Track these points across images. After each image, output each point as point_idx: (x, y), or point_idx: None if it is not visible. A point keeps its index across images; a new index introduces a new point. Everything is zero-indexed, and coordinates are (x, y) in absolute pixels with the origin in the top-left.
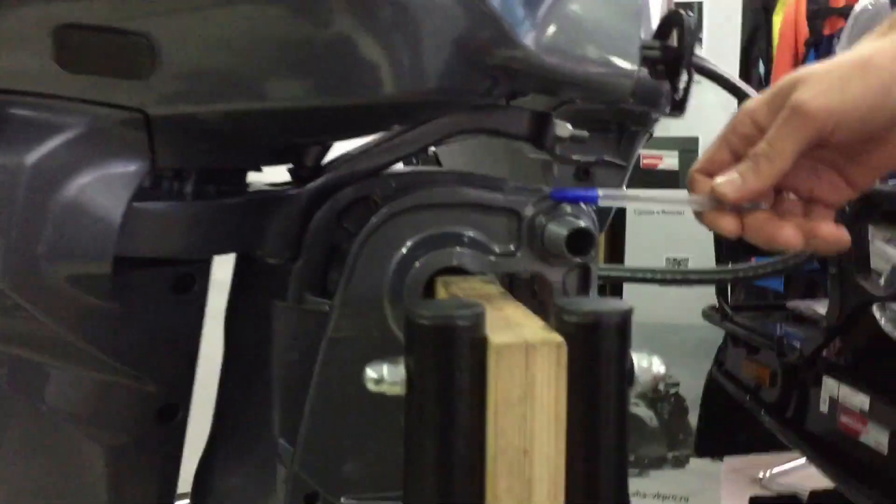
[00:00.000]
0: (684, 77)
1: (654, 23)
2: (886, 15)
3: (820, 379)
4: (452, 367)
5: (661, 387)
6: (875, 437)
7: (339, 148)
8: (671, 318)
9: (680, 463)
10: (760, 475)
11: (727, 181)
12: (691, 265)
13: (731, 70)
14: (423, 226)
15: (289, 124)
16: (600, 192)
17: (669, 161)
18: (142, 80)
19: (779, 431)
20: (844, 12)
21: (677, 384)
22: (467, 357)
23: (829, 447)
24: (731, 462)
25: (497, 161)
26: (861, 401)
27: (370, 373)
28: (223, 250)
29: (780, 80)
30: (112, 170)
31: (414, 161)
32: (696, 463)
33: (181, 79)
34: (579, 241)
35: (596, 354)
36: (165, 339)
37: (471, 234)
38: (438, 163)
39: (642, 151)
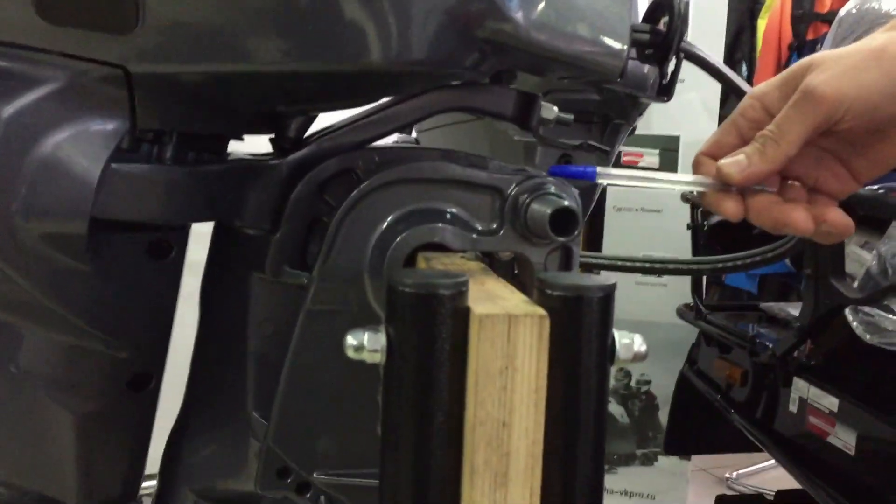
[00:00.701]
0: (672, 62)
1: (642, 13)
2: (870, 20)
3: (790, 380)
4: (434, 336)
5: (633, 384)
6: (843, 438)
7: (323, 120)
8: (645, 315)
9: (648, 460)
10: (727, 475)
11: (733, 162)
12: None
13: None
14: (406, 201)
15: (272, 89)
16: (598, 169)
17: (650, 159)
18: (124, 36)
19: (748, 431)
20: (828, 17)
21: (649, 382)
22: (449, 326)
23: (797, 448)
24: (699, 461)
25: (479, 146)
26: (830, 402)
27: (350, 339)
28: (201, 217)
29: (793, 65)
30: (91, 127)
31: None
32: (664, 461)
33: (164, 35)
34: (563, 220)
35: (578, 329)
36: (140, 305)
37: (453, 210)
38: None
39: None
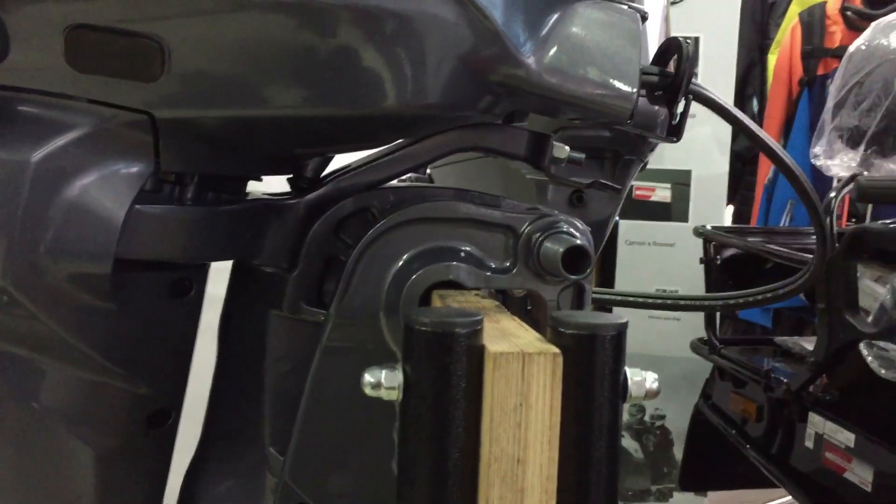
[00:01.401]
0: (682, 103)
1: (651, 53)
2: (880, 56)
3: (806, 415)
4: (449, 374)
5: (647, 419)
6: (860, 474)
7: (339, 161)
8: (658, 349)
9: (664, 497)
10: None
11: None
12: None
13: None
14: (420, 239)
15: (291, 133)
16: None
17: (662, 193)
18: (150, 83)
19: (764, 466)
20: (838, 53)
21: (663, 417)
22: (464, 364)
23: (814, 483)
24: (715, 497)
25: (491, 183)
26: (846, 437)
27: (368, 377)
28: (221, 257)
29: None
30: (116, 170)
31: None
32: (679, 497)
33: (189, 83)
34: (575, 259)
35: (591, 366)
36: (160, 343)
37: (467, 249)
38: (430, 180)
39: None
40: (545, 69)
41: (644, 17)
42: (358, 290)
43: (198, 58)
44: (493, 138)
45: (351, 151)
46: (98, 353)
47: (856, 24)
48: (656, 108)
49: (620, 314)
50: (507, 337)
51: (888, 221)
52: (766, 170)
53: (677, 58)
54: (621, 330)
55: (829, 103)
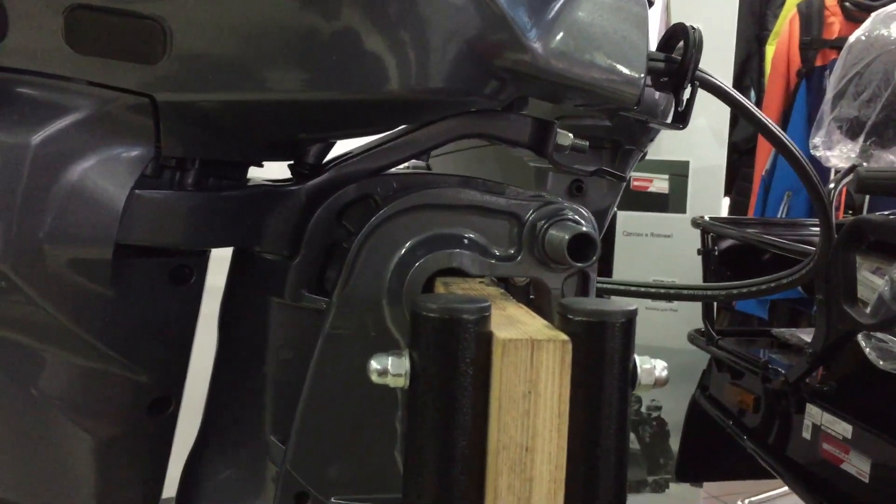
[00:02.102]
0: (688, 90)
1: (652, 42)
2: (880, 46)
3: (803, 406)
4: (457, 361)
5: (644, 410)
6: (857, 465)
7: (341, 147)
8: (655, 341)
9: (660, 487)
10: (739, 503)
11: None
12: None
13: None
14: (424, 227)
15: (293, 117)
16: None
17: (660, 184)
18: (152, 65)
19: (761, 457)
20: (837, 44)
21: (659, 408)
22: (472, 351)
23: (811, 475)
24: (711, 488)
25: (491, 170)
26: (844, 429)
27: (374, 364)
28: (221, 243)
29: None
30: (117, 154)
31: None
32: (675, 488)
33: (191, 65)
34: (581, 246)
35: (600, 353)
36: (160, 329)
37: (471, 236)
38: (429, 168)
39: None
40: (552, 54)
41: (650, 2)
42: (360, 277)
43: (200, 39)
44: (496, 125)
45: (353, 137)
46: (98, 339)
47: (854, 15)
48: (658, 94)
49: (629, 301)
50: (515, 324)
51: (887, 213)
52: (763, 161)
53: (684, 44)
54: (631, 317)
55: (829, 94)
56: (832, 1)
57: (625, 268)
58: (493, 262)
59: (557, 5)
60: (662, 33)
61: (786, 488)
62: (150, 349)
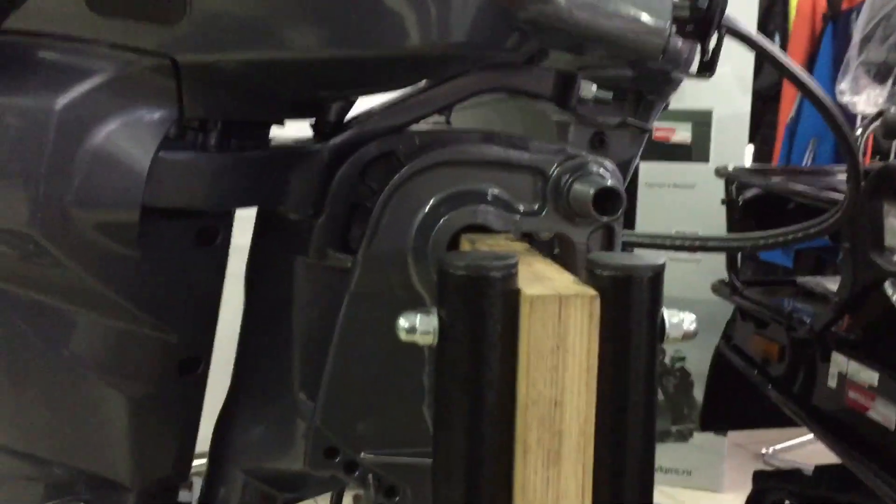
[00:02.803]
0: (714, 38)
1: None
2: None
3: (829, 354)
4: (485, 317)
5: (667, 361)
6: (883, 412)
7: (362, 104)
8: (679, 292)
9: (683, 437)
10: (763, 451)
11: None
12: None
13: None
14: (447, 183)
15: (315, 75)
16: None
17: (682, 134)
18: (172, 26)
19: (786, 406)
20: None
21: (683, 358)
22: (500, 307)
23: (837, 423)
24: (735, 437)
25: (511, 125)
26: (870, 376)
27: (402, 322)
28: (246, 203)
29: None
30: (140, 117)
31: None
32: (699, 437)
33: (211, 24)
34: (607, 200)
35: (628, 308)
36: (188, 290)
37: (495, 192)
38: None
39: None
40: (575, 4)
41: None
42: (385, 235)
43: None
44: (518, 79)
45: (375, 94)
46: (127, 300)
47: None
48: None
49: (658, 255)
50: (542, 280)
51: None
52: (788, 108)
53: None
54: (659, 271)
55: (856, 38)
56: None
57: (648, 219)
58: (517, 217)
59: None
60: None
61: (810, 436)
62: (178, 310)
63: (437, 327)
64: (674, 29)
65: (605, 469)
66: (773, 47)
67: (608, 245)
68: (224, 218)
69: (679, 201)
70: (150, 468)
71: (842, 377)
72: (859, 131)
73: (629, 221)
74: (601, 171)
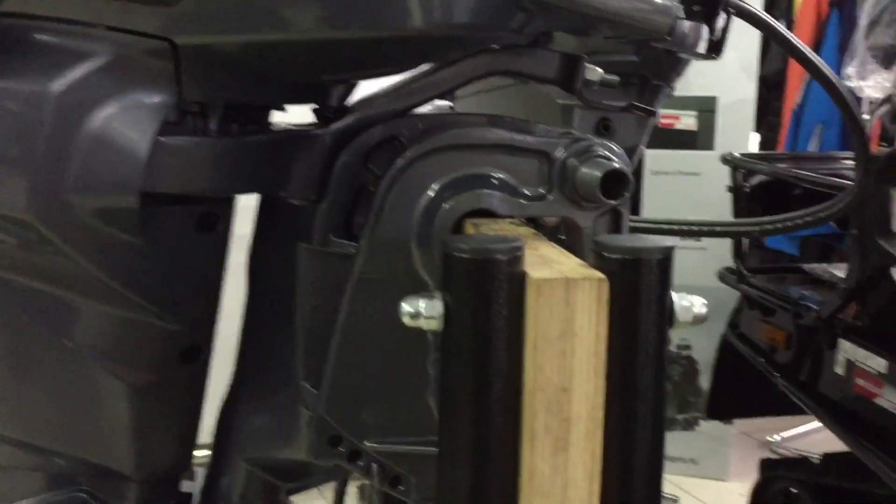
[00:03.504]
0: (722, 18)
1: None
2: None
3: (836, 342)
4: (491, 302)
5: (673, 349)
6: (891, 399)
7: (365, 89)
8: (685, 279)
9: (689, 425)
10: (770, 439)
11: None
12: None
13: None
14: (451, 167)
15: (315, 58)
16: None
17: (687, 121)
18: (169, 7)
19: (793, 394)
20: None
21: (689, 346)
22: (506, 291)
23: (844, 410)
24: (741, 425)
25: (515, 109)
26: (878, 363)
27: (406, 307)
28: (247, 189)
29: None
30: (138, 101)
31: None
32: (705, 425)
33: (209, 6)
34: (613, 183)
35: (637, 292)
36: (189, 277)
37: (500, 176)
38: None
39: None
40: None
41: None
42: (388, 220)
43: None
44: (523, 62)
45: (377, 77)
46: (128, 288)
47: None
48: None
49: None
50: (549, 263)
51: None
52: (793, 94)
53: None
54: (668, 254)
55: (863, 22)
56: None
57: (654, 207)
58: (523, 201)
59: None
60: None
61: (817, 424)
62: (179, 297)
63: (441, 312)
64: (680, 8)
65: (614, 456)
66: (781, 27)
67: (615, 230)
68: (224, 204)
69: (685, 189)
70: (153, 458)
71: (850, 364)
72: (867, 116)
73: (634, 209)
74: (607, 153)
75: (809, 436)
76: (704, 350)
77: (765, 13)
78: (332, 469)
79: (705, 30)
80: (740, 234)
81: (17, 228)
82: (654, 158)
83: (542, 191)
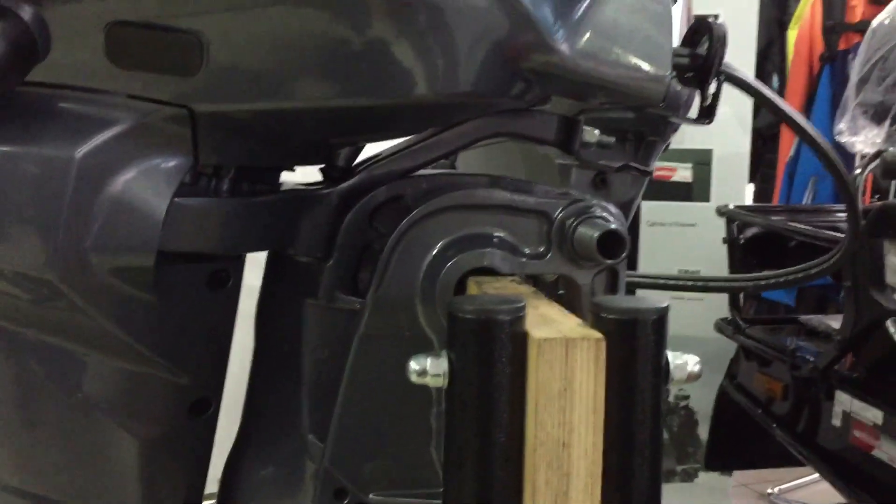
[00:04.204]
0: (713, 85)
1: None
2: None
3: (833, 393)
4: (494, 360)
5: (672, 400)
6: (888, 451)
7: (371, 149)
8: (682, 330)
9: (689, 477)
10: (769, 490)
11: None
12: None
13: None
14: (455, 227)
15: (325, 123)
16: None
17: (683, 173)
18: (189, 77)
19: (790, 445)
20: (860, 27)
21: (687, 397)
22: (509, 350)
23: (842, 462)
24: (741, 476)
25: (514, 165)
26: (874, 415)
27: (413, 365)
28: (257, 247)
29: None
30: (157, 164)
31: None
32: (704, 477)
33: (227, 76)
34: (610, 243)
35: (633, 350)
36: (200, 333)
37: (501, 235)
38: (453, 165)
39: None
40: (579, 54)
41: (674, 0)
42: (394, 278)
43: (235, 51)
44: (523, 124)
45: (383, 140)
46: (140, 343)
47: None
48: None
49: (661, 298)
50: (549, 323)
51: None
52: (787, 147)
53: (708, 39)
54: (663, 314)
55: (853, 79)
56: None
57: (650, 258)
58: (523, 260)
59: (583, 6)
60: (685, 18)
61: (816, 475)
62: (190, 352)
63: (447, 370)
64: (674, 76)
65: None
66: (770, 93)
67: (612, 287)
68: (235, 262)
69: (681, 240)
70: None
71: (846, 416)
72: (858, 171)
73: (631, 260)
74: (605, 214)
75: (808, 487)
76: (703, 400)
77: (753, 78)
78: None
79: (698, 96)
80: (735, 290)
81: (32, 285)
82: (651, 210)
83: (541, 249)
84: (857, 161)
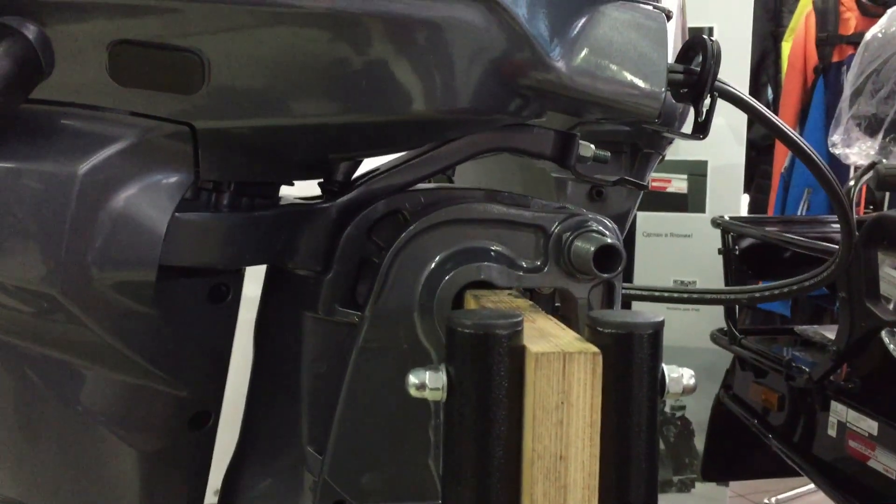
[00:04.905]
0: (707, 100)
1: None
2: None
3: (828, 403)
4: (492, 374)
5: (668, 410)
6: (884, 461)
7: (369, 164)
8: (678, 341)
9: (685, 487)
10: (766, 501)
11: None
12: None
13: None
14: (452, 241)
15: (324, 139)
16: None
17: (678, 184)
18: (191, 95)
19: (786, 456)
20: (853, 39)
21: (683, 407)
22: (507, 364)
23: (837, 472)
24: (737, 487)
25: (511, 177)
26: (869, 426)
27: (413, 379)
28: (256, 261)
29: None
30: (158, 180)
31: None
32: (701, 487)
33: (228, 94)
34: (606, 257)
35: (629, 364)
36: (199, 346)
37: (498, 249)
38: (451, 179)
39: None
40: (575, 71)
41: (668, 17)
42: (392, 291)
43: (236, 70)
44: (520, 139)
45: (382, 155)
46: (141, 357)
47: (870, 10)
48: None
49: (657, 312)
50: (547, 337)
51: None
52: (781, 158)
53: (702, 56)
54: (658, 328)
55: (847, 91)
56: None
57: (645, 269)
58: (520, 273)
59: (579, 24)
60: (679, 33)
61: (812, 486)
62: (190, 365)
63: (445, 383)
64: (668, 92)
65: None
66: (763, 108)
67: (608, 300)
68: (235, 275)
69: (676, 251)
70: None
71: (842, 426)
72: (852, 182)
73: (627, 271)
74: (601, 228)
75: (804, 498)
76: (699, 411)
77: (747, 94)
78: None
79: (692, 112)
80: (730, 302)
81: (34, 299)
82: (646, 220)
83: (538, 263)
84: (852, 173)
